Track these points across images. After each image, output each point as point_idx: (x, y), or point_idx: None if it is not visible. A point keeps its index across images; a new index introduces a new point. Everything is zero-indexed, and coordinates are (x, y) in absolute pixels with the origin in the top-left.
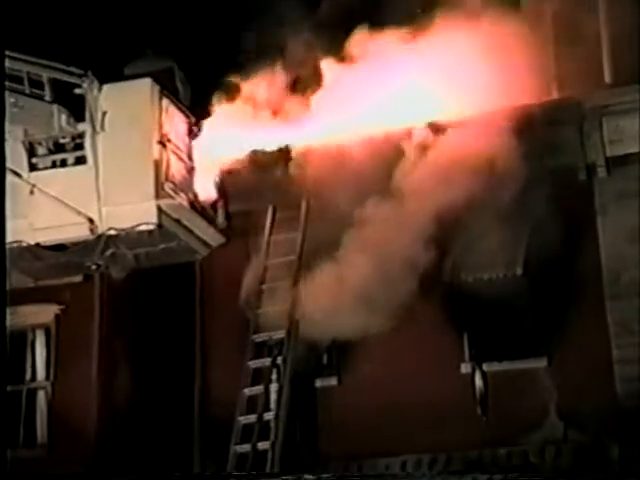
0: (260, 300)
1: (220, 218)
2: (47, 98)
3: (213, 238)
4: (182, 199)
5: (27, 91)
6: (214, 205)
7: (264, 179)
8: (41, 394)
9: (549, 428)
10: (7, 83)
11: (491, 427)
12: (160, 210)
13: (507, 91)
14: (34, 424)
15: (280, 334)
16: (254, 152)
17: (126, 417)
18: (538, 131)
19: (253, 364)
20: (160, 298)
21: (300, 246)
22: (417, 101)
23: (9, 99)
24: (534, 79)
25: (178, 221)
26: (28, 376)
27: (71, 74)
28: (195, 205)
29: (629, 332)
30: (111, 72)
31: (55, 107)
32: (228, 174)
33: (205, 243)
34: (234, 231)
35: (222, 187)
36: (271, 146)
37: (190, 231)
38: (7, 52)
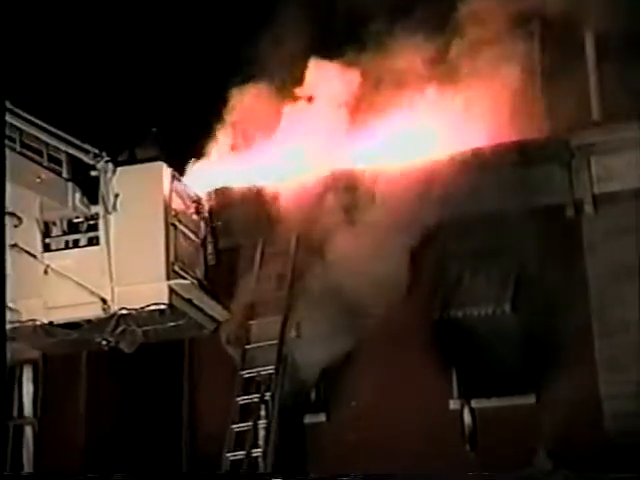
0: (249, 336)
1: (210, 254)
2: (64, 175)
3: (220, 314)
4: (191, 277)
5: (45, 164)
6: (203, 241)
7: (254, 214)
8: (28, 430)
9: (537, 465)
10: (27, 152)
11: (480, 464)
12: (171, 290)
13: (495, 129)
14: (21, 461)
15: (269, 370)
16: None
17: (113, 454)
18: (525, 168)
19: (241, 400)
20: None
21: (289, 281)
22: (403, 139)
23: (29, 167)
24: (523, 117)
25: (188, 300)
26: (15, 412)
27: (87, 152)
28: (203, 283)
29: (617, 369)
30: (121, 153)
31: (71, 185)
32: (218, 210)
33: (212, 318)
34: (224, 267)
35: (211, 223)
36: (259, 182)
37: (199, 308)
38: (28, 117)
